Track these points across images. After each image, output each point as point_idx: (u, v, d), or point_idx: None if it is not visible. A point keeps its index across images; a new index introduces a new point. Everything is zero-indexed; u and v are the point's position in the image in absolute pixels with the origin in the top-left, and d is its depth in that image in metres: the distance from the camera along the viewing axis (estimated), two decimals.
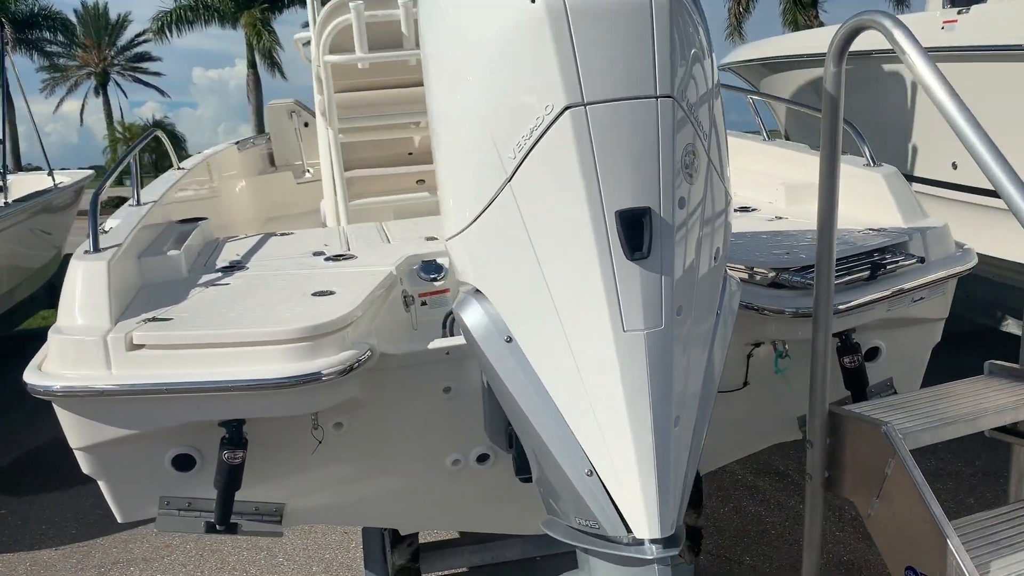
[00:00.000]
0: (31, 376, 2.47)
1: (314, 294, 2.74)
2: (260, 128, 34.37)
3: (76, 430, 2.54)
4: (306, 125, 7.65)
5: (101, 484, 2.71)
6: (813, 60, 6.65)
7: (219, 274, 3.07)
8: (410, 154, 5.83)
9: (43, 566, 4.58)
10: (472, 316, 2.02)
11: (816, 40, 6.88)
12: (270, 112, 7.68)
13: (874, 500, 2.37)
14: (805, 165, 3.70)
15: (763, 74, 8.09)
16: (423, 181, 5.79)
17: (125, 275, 2.80)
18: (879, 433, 2.32)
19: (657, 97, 1.73)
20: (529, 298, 1.88)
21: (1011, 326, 5.23)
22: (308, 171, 7.15)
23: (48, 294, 9.32)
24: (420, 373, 2.72)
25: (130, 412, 2.49)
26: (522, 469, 2.74)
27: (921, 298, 2.94)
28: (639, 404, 1.78)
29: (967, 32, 4.75)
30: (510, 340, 1.96)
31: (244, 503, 2.74)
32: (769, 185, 3.70)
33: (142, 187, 3.75)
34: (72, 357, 2.47)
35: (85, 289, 2.63)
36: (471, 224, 1.96)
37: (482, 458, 2.87)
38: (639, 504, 1.82)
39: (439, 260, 3.10)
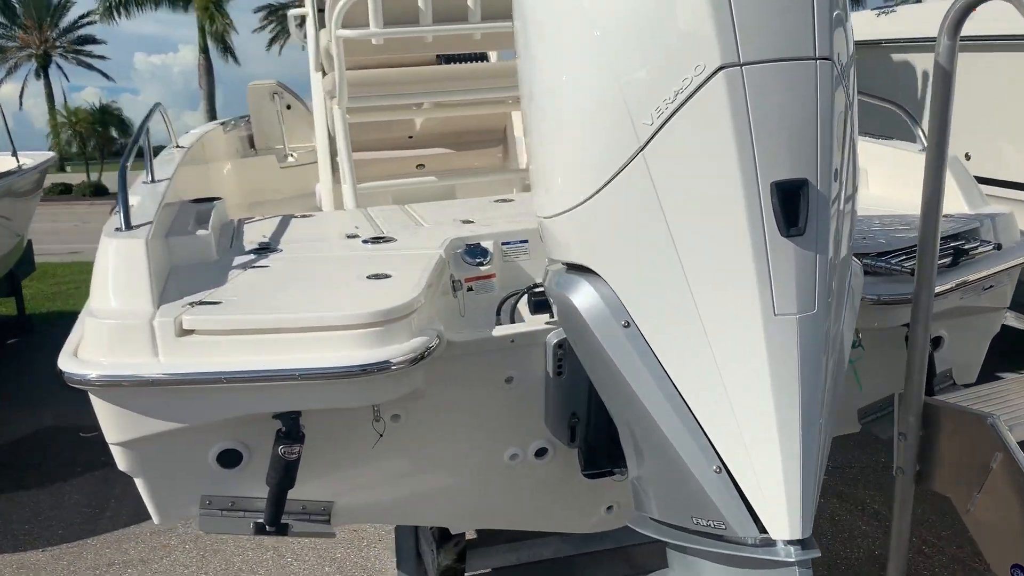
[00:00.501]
0: (68, 364, 2.24)
1: (369, 277, 2.55)
2: (212, 114, 33.62)
3: (117, 423, 2.32)
4: (288, 107, 7.38)
5: (139, 482, 2.49)
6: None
7: (252, 256, 2.85)
8: (410, 137, 5.65)
9: (31, 569, 4.30)
10: (583, 298, 1.86)
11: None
12: (251, 94, 7.37)
13: (975, 495, 2.27)
14: (863, 151, 3.58)
15: None
16: (423, 166, 5.60)
17: (159, 255, 2.58)
18: (984, 426, 2.21)
19: (816, 59, 1.59)
20: (656, 278, 1.73)
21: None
22: (291, 155, 6.89)
23: (8, 283, 8.90)
24: (482, 362, 2.56)
25: (180, 403, 2.28)
26: (591, 464, 2.61)
27: (991, 286, 2.86)
28: (787, 396, 1.64)
29: None
30: (628, 325, 1.81)
31: (291, 502, 2.55)
32: None
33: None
34: (114, 343, 2.25)
35: (123, 269, 2.40)
36: (587, 199, 1.80)
37: (540, 452, 2.72)
38: (780, 504, 1.68)
39: (484, 244, 2.94)
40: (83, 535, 4.56)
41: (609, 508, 2.95)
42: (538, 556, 3.40)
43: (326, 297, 2.40)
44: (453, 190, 4.97)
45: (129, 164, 2.90)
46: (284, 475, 2.37)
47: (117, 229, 2.58)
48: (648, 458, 1.93)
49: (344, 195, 4.65)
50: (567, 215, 1.86)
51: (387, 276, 2.55)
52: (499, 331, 2.54)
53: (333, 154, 5.49)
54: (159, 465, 2.45)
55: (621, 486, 2.87)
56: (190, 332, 2.26)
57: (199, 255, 2.83)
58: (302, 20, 6.04)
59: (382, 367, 2.20)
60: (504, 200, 3.73)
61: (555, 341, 2.48)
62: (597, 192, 1.78)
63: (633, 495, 2.11)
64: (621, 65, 1.69)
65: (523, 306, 2.67)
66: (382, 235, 3.08)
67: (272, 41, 45.02)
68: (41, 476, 5.30)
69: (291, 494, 2.51)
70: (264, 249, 2.95)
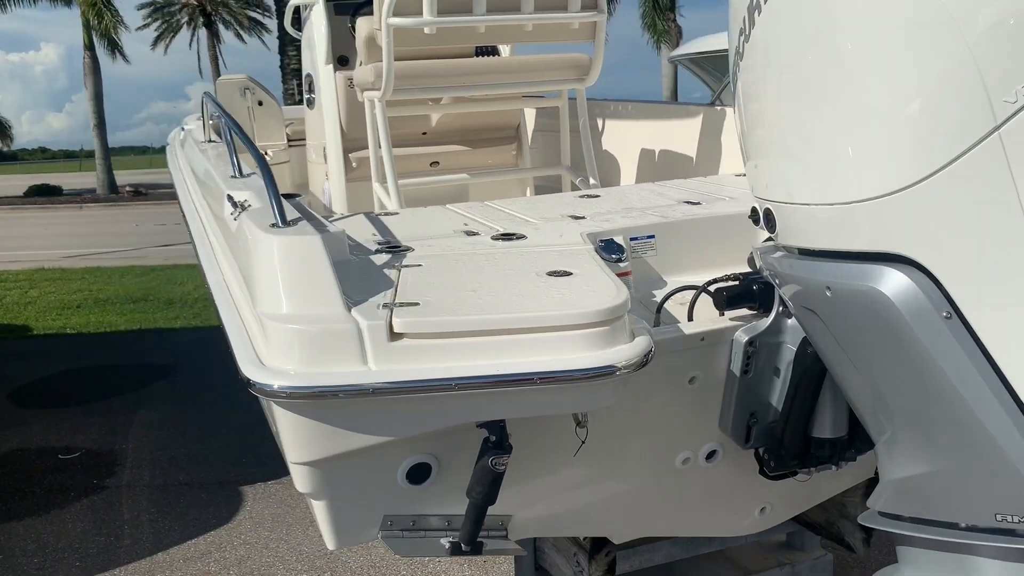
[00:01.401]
0: (258, 373, 2.00)
1: (549, 274, 2.38)
2: (100, 115, 31.84)
3: (312, 439, 2.08)
4: (260, 104, 7.03)
5: (319, 504, 2.25)
6: None
7: (390, 255, 2.63)
8: (424, 134, 5.44)
9: None
10: (894, 286, 1.76)
11: None
12: (220, 89, 6.98)
13: None
14: None
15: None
16: (437, 163, 5.40)
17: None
18: None
19: None
20: (1001, 267, 1.65)
21: None
22: (267, 152, 6.55)
23: None
24: (669, 362, 2.42)
25: (390, 414, 2.07)
26: (780, 465, 2.53)
27: None
28: None
29: None
30: (949, 316, 1.72)
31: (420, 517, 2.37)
32: None
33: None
34: (315, 350, 2.02)
35: (304, 268, 2.17)
36: (917, 183, 1.69)
37: (711, 455, 2.62)
38: None
39: (617, 240, 2.82)
40: (107, 566, 4.16)
41: (763, 510, 2.87)
42: (650, 562, 3.29)
43: (526, 296, 2.22)
44: (467, 190, 4.85)
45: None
46: (491, 488, 2.18)
47: (273, 225, 2.33)
48: (947, 454, 1.85)
49: (386, 194, 4.43)
50: (881, 200, 1.75)
51: (568, 273, 2.39)
52: (690, 329, 2.42)
53: (345, 151, 5.24)
54: (347, 484, 2.22)
55: (776, 487, 2.81)
56: (399, 336, 2.05)
57: (337, 253, 2.60)
58: (297, 10, 5.74)
59: (607, 370, 2.05)
60: (590, 196, 3.60)
61: (746, 339, 2.39)
62: (925, 178, 1.68)
63: (888, 493, 2.02)
64: (979, 36, 1.59)
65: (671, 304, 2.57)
66: (509, 232, 2.91)
67: (158, 39, 43.15)
68: (32, 504, 4.84)
69: (417, 507, 2.34)
70: (395, 248, 2.74)
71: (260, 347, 2.12)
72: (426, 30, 4.07)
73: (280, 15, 11.27)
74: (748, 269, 2.55)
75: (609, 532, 2.80)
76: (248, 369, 2.03)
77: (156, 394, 6.74)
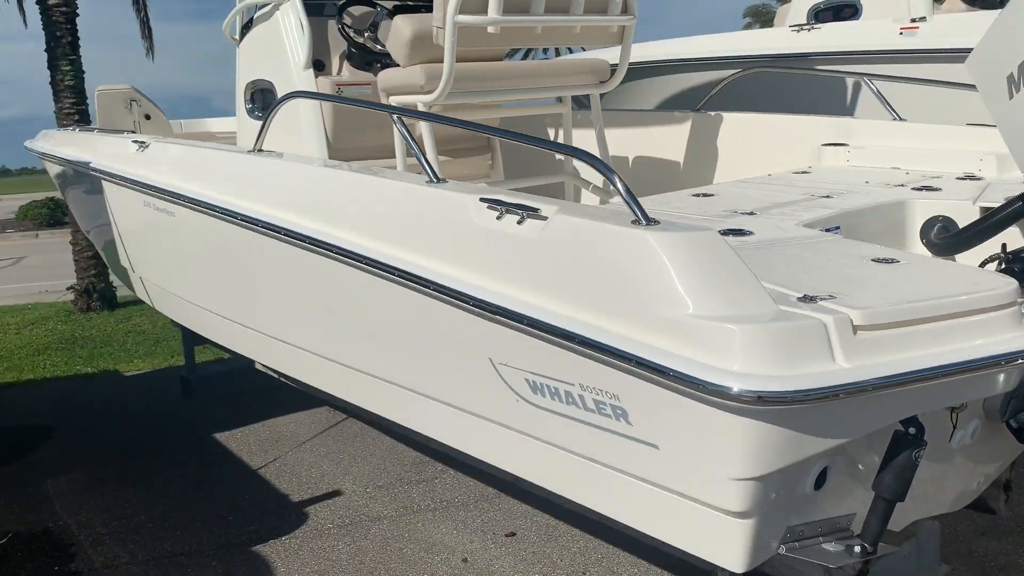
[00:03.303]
0: (733, 380, 1.82)
1: (874, 260, 2.38)
2: None
3: (774, 448, 1.92)
4: (148, 118, 6.29)
5: (743, 524, 2.07)
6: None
7: None
8: None
9: None
10: None
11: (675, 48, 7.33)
12: (101, 100, 6.18)
13: None
14: (974, 137, 4.03)
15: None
16: None
17: None
18: None
19: None
20: None
21: None
22: None
23: None
24: None
25: (853, 413, 1.95)
26: None
27: None
28: None
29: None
30: None
31: (808, 524, 2.28)
32: (961, 159, 3.94)
33: None
34: (788, 349, 1.87)
35: (720, 264, 2.00)
36: None
37: (973, 431, 2.71)
38: None
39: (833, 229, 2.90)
40: None
41: (979, 483, 3.01)
42: None
43: (937, 281, 2.20)
44: None
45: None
46: (905, 484, 2.12)
47: (635, 222, 2.12)
48: None
49: None
50: None
51: (895, 261, 2.40)
52: None
53: None
54: (774, 497, 2.05)
55: (990, 462, 2.96)
56: (857, 329, 1.95)
57: None
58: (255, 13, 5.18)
59: None
60: (704, 195, 3.62)
61: None
62: None
63: None
64: None
65: None
66: (737, 228, 2.84)
67: None
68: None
69: (812, 512, 2.25)
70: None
71: (676, 350, 1.92)
72: (490, 29, 3.87)
73: (49, 24, 10.04)
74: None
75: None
76: (715, 376, 1.83)
77: (54, 457, 5.70)
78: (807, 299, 2.01)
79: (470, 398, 2.66)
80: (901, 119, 4.39)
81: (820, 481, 2.16)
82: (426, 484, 4.96)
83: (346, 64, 4.91)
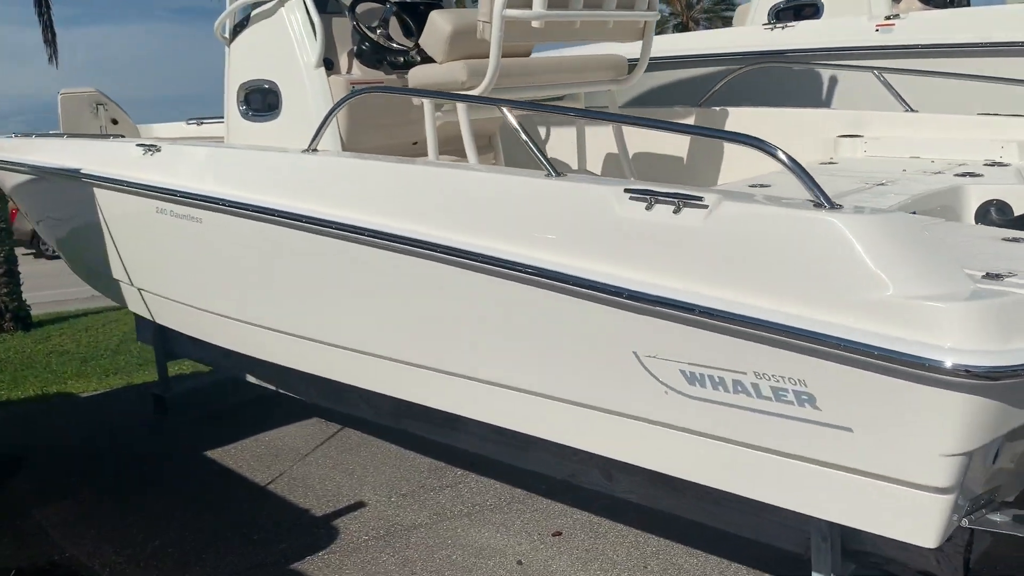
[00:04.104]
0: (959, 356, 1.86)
1: (1004, 240, 2.48)
2: None
3: (987, 422, 1.96)
4: (115, 122, 5.99)
5: (942, 499, 2.11)
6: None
7: None
8: (415, 143, 5.03)
9: None
10: None
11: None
12: (65, 104, 5.85)
13: None
14: (989, 126, 4.22)
15: None
16: None
17: None
18: None
19: None
20: None
21: None
22: None
23: None
24: None
25: None
26: None
27: None
28: None
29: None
30: None
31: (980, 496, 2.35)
32: (980, 147, 4.12)
33: None
34: (1004, 324, 1.92)
35: (912, 246, 2.04)
36: None
37: None
38: None
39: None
40: None
41: None
42: None
43: None
44: None
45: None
46: None
47: (819, 205, 2.14)
48: None
49: None
50: None
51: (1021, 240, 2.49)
52: None
53: None
54: (974, 470, 2.09)
55: None
56: None
57: None
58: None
59: None
60: (761, 185, 3.68)
61: None
62: None
63: None
64: None
65: None
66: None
67: None
68: None
69: (985, 484, 2.32)
70: None
71: (879, 330, 1.95)
72: (534, 23, 3.84)
73: None
74: None
75: None
76: (929, 352, 1.86)
77: (33, 487, 5.32)
78: (992, 276, 2.06)
79: (607, 395, 2.62)
80: (913, 110, 4.56)
81: (996, 454, 2.22)
82: (451, 489, 4.86)
83: (356, 62, 4.76)
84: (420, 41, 4.17)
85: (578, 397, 2.73)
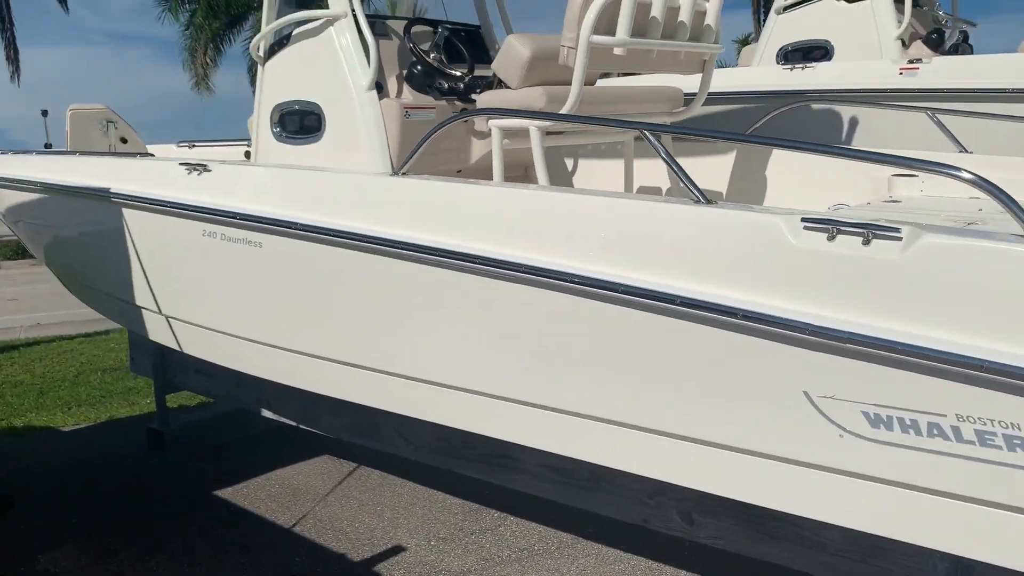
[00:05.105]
0: None
1: None
2: None
3: None
4: (124, 141, 5.71)
5: None
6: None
7: None
8: (459, 172, 4.87)
9: None
10: None
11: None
12: (74, 120, 5.56)
13: None
14: None
15: None
16: None
17: None
18: None
19: None
20: None
21: None
22: None
23: None
24: None
25: None
26: None
27: None
28: None
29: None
30: None
31: None
32: None
33: None
34: None
35: None
36: None
37: None
38: None
39: None
40: None
41: None
42: None
43: None
44: None
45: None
46: None
47: None
48: None
49: None
50: None
51: None
52: None
53: None
54: None
55: None
56: None
57: None
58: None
59: None
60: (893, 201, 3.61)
61: None
62: None
63: None
64: None
65: None
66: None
67: None
68: None
69: None
70: None
71: None
72: (616, 51, 3.75)
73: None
74: None
75: None
76: None
77: (34, 528, 4.92)
78: None
79: (764, 436, 2.48)
80: (967, 151, 4.58)
81: None
82: (491, 533, 4.65)
83: (406, 86, 4.60)
84: (493, 66, 4.03)
85: (723, 438, 2.59)
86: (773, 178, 5.08)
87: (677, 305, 2.48)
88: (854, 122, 5.75)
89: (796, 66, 6.54)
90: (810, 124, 5.73)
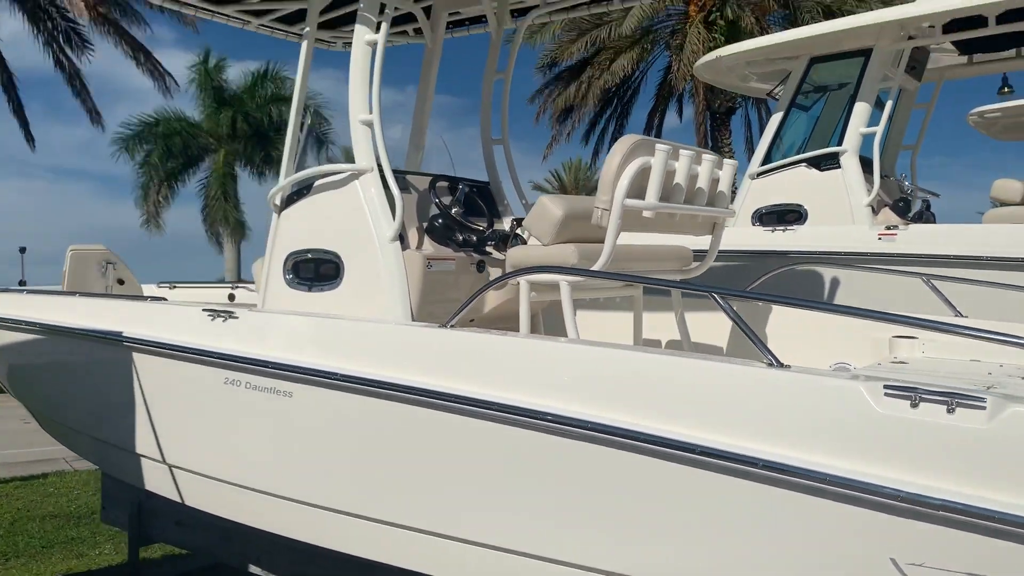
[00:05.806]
0: None
1: None
2: None
3: None
4: (121, 283, 5.66)
5: None
6: None
7: None
8: (472, 321, 4.91)
9: None
10: None
11: None
12: (73, 261, 5.48)
13: None
14: None
15: None
16: None
17: None
18: None
19: None
20: None
21: None
22: None
23: None
24: None
25: None
26: None
27: None
28: None
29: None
30: None
31: None
32: None
33: None
34: None
35: None
36: None
37: None
38: None
39: None
40: None
41: None
42: None
43: None
44: None
45: None
46: None
47: None
48: None
49: None
50: None
51: None
52: None
53: None
54: None
55: None
56: None
57: None
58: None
59: None
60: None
61: None
62: None
63: None
64: None
65: None
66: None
67: None
68: None
69: None
70: None
71: None
72: (646, 214, 3.90)
73: None
74: None
75: None
76: None
77: None
78: None
79: None
80: (962, 315, 4.80)
81: None
82: None
83: (427, 237, 4.69)
84: (525, 223, 4.16)
85: None
86: (772, 337, 5.22)
87: (760, 469, 2.50)
88: (843, 283, 6.01)
89: (777, 228, 6.86)
90: (801, 284, 5.96)
